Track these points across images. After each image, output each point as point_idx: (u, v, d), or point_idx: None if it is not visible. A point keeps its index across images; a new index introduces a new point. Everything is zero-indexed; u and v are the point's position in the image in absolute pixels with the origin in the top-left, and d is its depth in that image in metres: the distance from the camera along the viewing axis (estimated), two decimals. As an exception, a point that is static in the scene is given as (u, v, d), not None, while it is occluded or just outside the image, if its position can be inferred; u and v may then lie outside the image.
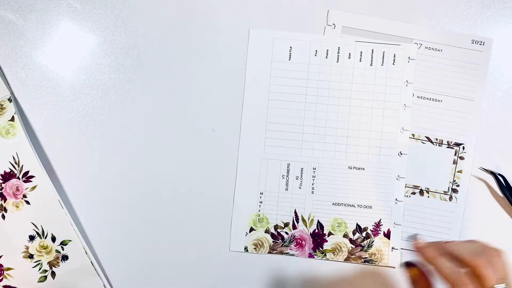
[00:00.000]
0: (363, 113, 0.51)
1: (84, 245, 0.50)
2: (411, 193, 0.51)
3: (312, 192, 0.51)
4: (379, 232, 0.51)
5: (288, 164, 0.51)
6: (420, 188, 0.51)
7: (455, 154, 0.51)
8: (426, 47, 0.51)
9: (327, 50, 0.51)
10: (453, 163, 0.51)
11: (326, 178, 0.51)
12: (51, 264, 0.50)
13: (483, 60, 0.51)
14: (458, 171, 0.51)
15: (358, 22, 0.51)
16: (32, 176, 0.49)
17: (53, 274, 0.50)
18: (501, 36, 0.52)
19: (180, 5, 0.51)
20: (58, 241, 0.50)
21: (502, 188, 0.51)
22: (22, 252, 0.50)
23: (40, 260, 0.50)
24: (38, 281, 0.50)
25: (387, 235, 0.51)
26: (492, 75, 0.51)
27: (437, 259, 0.39)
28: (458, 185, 0.51)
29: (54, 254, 0.50)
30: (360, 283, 0.52)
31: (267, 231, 0.52)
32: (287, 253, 0.52)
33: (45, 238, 0.50)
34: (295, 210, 0.51)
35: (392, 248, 0.51)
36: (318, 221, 0.51)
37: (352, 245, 0.51)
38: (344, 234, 0.51)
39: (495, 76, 0.51)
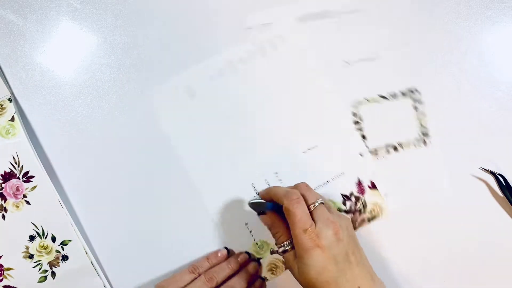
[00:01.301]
0: (293, 101, 0.51)
1: (84, 245, 0.50)
2: (386, 152, 0.51)
3: None
4: (364, 189, 0.51)
5: (252, 184, 0.51)
6: (393, 145, 0.51)
7: (412, 100, 0.51)
8: (344, 12, 0.51)
9: (220, 68, 0.50)
10: (414, 109, 0.51)
11: (291, 174, 0.51)
12: (51, 264, 0.50)
13: (402, 4, 0.51)
14: (422, 115, 0.51)
15: (273, 16, 0.50)
16: (32, 176, 0.49)
17: (53, 274, 0.50)
18: (501, 36, 0.52)
19: (181, 5, 0.51)
20: (58, 241, 0.50)
21: (502, 188, 0.51)
22: (22, 252, 0.50)
23: (40, 260, 0.50)
24: (38, 281, 0.50)
25: (373, 186, 0.51)
26: (492, 75, 0.51)
27: (276, 187, 0.47)
28: (426, 128, 0.51)
29: (54, 254, 0.50)
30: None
31: (272, 252, 0.52)
32: None
33: (45, 238, 0.50)
34: None
35: (385, 196, 0.51)
36: None
37: (351, 214, 0.51)
38: (338, 209, 0.51)
39: (495, 76, 0.51)
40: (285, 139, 0.51)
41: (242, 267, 0.50)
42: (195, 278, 0.47)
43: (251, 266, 0.50)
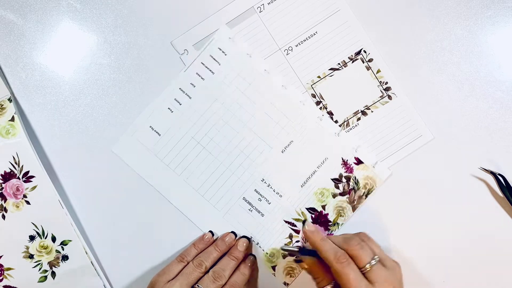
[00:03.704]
0: (256, 109, 0.51)
1: (84, 245, 0.50)
2: (357, 120, 0.52)
3: (280, 196, 0.51)
4: (351, 166, 0.52)
5: (244, 198, 0.51)
6: (359, 110, 0.52)
7: (363, 62, 0.51)
8: (268, 3, 0.51)
9: (175, 99, 0.51)
10: (367, 69, 0.51)
11: (277, 176, 0.51)
12: (51, 264, 0.50)
13: None
14: (377, 73, 0.51)
15: (201, 31, 0.51)
16: (32, 176, 0.49)
17: (53, 274, 0.50)
18: (501, 36, 0.52)
19: (180, 4, 0.51)
20: (58, 241, 0.50)
21: (502, 188, 0.51)
22: (22, 252, 0.50)
23: (40, 260, 0.50)
24: (38, 281, 0.50)
25: (359, 161, 0.51)
26: (492, 75, 0.51)
27: (322, 241, 0.45)
28: (386, 83, 0.51)
29: (54, 254, 0.50)
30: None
31: (284, 256, 0.52)
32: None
33: (45, 238, 0.50)
34: (284, 221, 0.51)
35: (373, 166, 0.51)
36: (307, 208, 0.51)
37: (346, 196, 0.51)
38: (333, 195, 0.52)
39: (495, 76, 0.51)
40: (259, 146, 0.51)
41: (230, 247, 0.50)
42: (185, 267, 0.47)
43: (240, 244, 0.50)
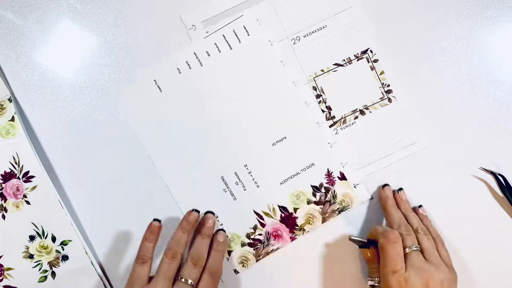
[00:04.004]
0: (257, 93, 0.51)
1: (84, 245, 0.50)
2: (355, 118, 0.52)
3: (258, 186, 0.51)
4: (334, 180, 0.51)
5: (222, 177, 0.51)
6: (358, 109, 0.52)
7: (368, 61, 0.51)
8: None
9: (186, 61, 0.51)
10: (371, 69, 0.51)
11: (260, 166, 0.51)
12: (51, 264, 0.50)
13: None
14: (380, 74, 0.51)
15: (212, 10, 0.50)
16: (32, 176, 0.49)
17: (53, 274, 0.50)
18: (501, 36, 0.52)
19: (181, 4, 0.51)
20: (58, 241, 0.50)
21: (502, 188, 0.51)
22: (22, 252, 0.50)
23: (40, 260, 0.50)
24: (38, 281, 0.50)
25: (343, 177, 0.51)
26: (492, 75, 0.51)
27: (393, 208, 0.49)
28: (388, 85, 0.51)
29: (54, 254, 0.50)
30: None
31: (243, 245, 0.52)
32: (272, 250, 0.52)
33: (45, 238, 0.50)
34: (254, 211, 0.52)
35: (354, 185, 0.51)
36: (279, 206, 0.52)
37: (320, 206, 0.51)
38: (307, 201, 0.52)
39: (495, 76, 0.51)
40: (253, 132, 0.51)
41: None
42: (150, 265, 0.45)
43: (209, 220, 0.49)
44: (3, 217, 0.49)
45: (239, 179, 0.51)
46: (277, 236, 0.52)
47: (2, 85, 0.50)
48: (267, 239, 0.52)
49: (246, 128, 0.51)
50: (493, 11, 0.52)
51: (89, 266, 0.50)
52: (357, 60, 0.51)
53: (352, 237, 0.51)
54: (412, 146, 0.51)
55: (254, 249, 0.52)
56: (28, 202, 0.49)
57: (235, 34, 0.51)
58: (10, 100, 0.50)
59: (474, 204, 0.52)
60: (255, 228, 0.52)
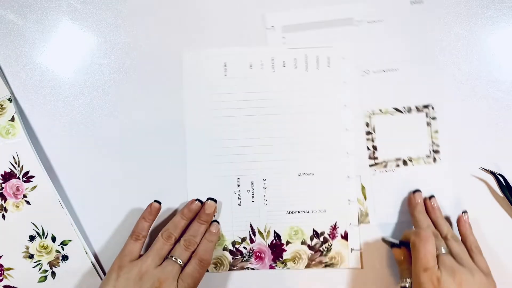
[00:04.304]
0: (306, 119, 0.51)
1: (84, 245, 0.50)
2: (396, 166, 0.51)
3: (265, 204, 0.51)
4: (336, 235, 0.51)
5: (238, 179, 0.51)
6: (402, 159, 0.51)
7: (426, 116, 0.51)
8: (368, 22, 0.51)
9: (261, 61, 0.51)
10: (427, 125, 0.51)
11: (277, 187, 0.51)
12: (51, 264, 0.50)
13: (427, 18, 0.51)
14: (434, 132, 0.51)
15: (295, 18, 0.51)
16: (32, 176, 0.49)
17: (53, 274, 0.50)
18: (501, 36, 0.52)
19: (181, 4, 0.51)
20: (58, 241, 0.50)
21: (502, 188, 0.51)
22: (22, 252, 0.50)
23: (40, 260, 0.50)
24: (38, 281, 0.50)
25: (345, 237, 0.51)
26: (492, 75, 0.51)
27: (422, 215, 0.49)
28: (438, 145, 0.51)
29: (54, 254, 0.50)
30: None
31: (225, 249, 0.51)
32: (247, 267, 0.51)
33: (45, 238, 0.50)
34: (250, 224, 0.51)
35: (352, 249, 0.51)
36: (275, 232, 0.51)
37: (311, 251, 0.51)
38: (302, 241, 0.51)
39: (495, 76, 0.51)
40: (286, 155, 0.51)
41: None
42: (142, 243, 0.47)
43: (208, 207, 0.49)
44: (3, 217, 0.49)
45: (252, 189, 0.51)
46: (259, 257, 0.51)
47: (2, 85, 0.50)
48: (249, 255, 0.51)
49: (281, 147, 0.51)
50: (493, 11, 0.52)
51: (89, 266, 0.50)
52: (417, 112, 0.51)
53: (385, 238, 0.51)
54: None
55: (232, 258, 0.51)
56: (28, 202, 0.49)
57: (317, 60, 0.51)
58: (10, 100, 0.50)
59: (474, 204, 0.51)
60: (243, 239, 0.51)
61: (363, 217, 0.51)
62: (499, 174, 0.51)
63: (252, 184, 0.51)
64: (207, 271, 0.51)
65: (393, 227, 0.51)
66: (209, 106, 0.51)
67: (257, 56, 0.51)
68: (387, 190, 0.51)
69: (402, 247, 0.47)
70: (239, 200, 0.51)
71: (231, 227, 0.51)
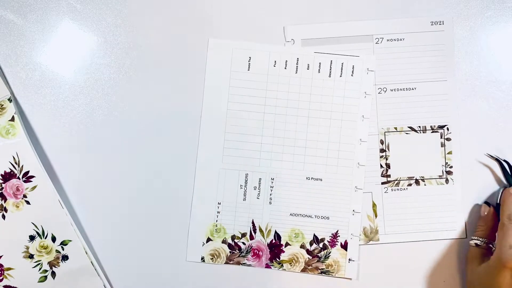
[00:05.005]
0: (322, 124, 0.51)
1: (84, 245, 0.50)
2: (407, 185, 0.51)
3: (270, 203, 0.51)
4: (336, 243, 0.51)
5: (246, 174, 0.51)
6: (415, 178, 0.51)
7: (441, 137, 0.51)
8: (387, 40, 0.51)
9: (286, 61, 0.51)
10: (441, 146, 0.51)
11: (284, 188, 0.51)
12: (51, 264, 0.50)
13: (446, 39, 0.51)
14: (448, 153, 0.51)
15: (315, 32, 0.51)
16: (32, 176, 0.49)
17: (53, 274, 0.50)
18: (501, 36, 0.52)
19: (181, 4, 0.51)
20: (58, 241, 0.50)
21: (506, 176, 0.51)
22: (22, 252, 0.50)
23: (40, 260, 0.50)
24: (38, 281, 0.50)
25: (344, 246, 0.51)
26: (492, 75, 0.52)
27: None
28: (451, 167, 0.51)
29: (54, 254, 0.50)
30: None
31: (224, 242, 0.51)
32: (244, 263, 0.51)
33: (45, 238, 0.50)
34: (252, 221, 0.51)
35: (349, 259, 0.51)
36: (276, 232, 0.51)
37: (309, 256, 0.51)
38: (301, 244, 0.51)
39: (495, 76, 0.51)
40: (297, 158, 0.51)
41: None
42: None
43: None
44: (3, 217, 0.49)
45: (259, 186, 0.51)
46: (257, 255, 0.51)
47: (2, 85, 0.50)
48: (246, 251, 0.51)
49: (293, 148, 0.51)
50: (493, 11, 0.52)
51: (89, 266, 0.50)
52: (431, 132, 0.51)
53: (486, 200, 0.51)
54: (448, 232, 0.51)
55: (230, 252, 0.51)
56: (28, 202, 0.49)
57: (341, 68, 0.51)
58: (10, 100, 0.50)
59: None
60: (243, 235, 0.52)
61: (372, 234, 0.51)
62: (504, 160, 0.51)
63: (259, 181, 0.51)
64: (203, 260, 0.51)
65: (403, 246, 0.51)
66: (227, 97, 0.51)
67: (282, 56, 0.51)
68: (398, 208, 0.51)
69: (492, 207, 0.49)
70: (245, 195, 0.51)
71: (233, 221, 0.51)
